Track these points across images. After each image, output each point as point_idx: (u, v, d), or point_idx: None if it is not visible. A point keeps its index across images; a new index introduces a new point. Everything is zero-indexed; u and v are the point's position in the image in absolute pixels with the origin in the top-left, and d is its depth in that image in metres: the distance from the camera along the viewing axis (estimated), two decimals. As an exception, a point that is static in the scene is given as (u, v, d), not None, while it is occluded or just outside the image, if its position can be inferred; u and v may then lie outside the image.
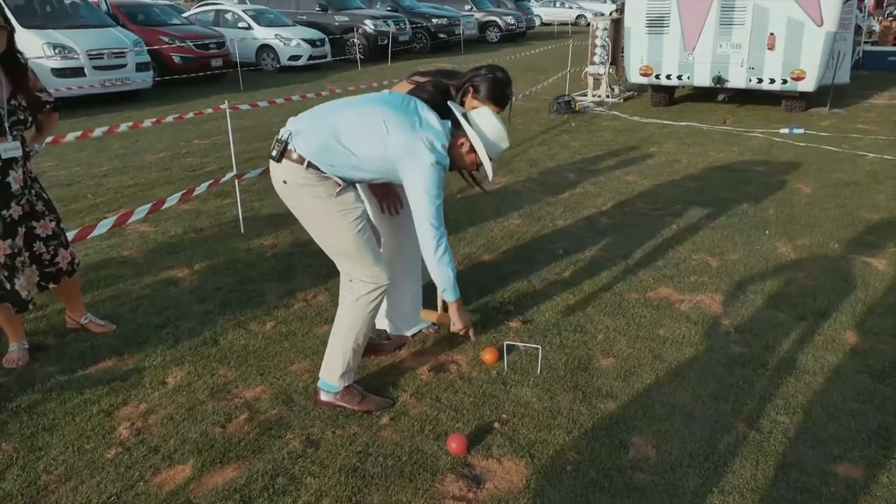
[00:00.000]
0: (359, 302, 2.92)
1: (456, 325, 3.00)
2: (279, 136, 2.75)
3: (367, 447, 2.77)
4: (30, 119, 3.26)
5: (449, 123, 2.79)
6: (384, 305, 3.45)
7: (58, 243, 3.46)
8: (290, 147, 2.70)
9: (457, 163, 2.85)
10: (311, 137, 2.69)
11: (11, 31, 3.13)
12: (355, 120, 2.70)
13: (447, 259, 2.79)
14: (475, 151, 2.80)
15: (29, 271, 3.41)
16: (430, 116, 2.75)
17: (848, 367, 3.31)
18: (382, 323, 3.60)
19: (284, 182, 2.75)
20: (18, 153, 3.20)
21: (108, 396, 3.13)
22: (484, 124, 2.82)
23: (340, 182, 2.73)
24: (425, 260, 2.82)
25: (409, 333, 3.64)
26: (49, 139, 3.99)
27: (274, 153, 2.74)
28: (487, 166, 2.83)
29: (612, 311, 3.92)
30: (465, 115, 2.82)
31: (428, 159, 2.65)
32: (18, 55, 3.22)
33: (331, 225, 2.80)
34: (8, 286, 3.26)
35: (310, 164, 2.68)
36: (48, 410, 3.03)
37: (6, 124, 3.12)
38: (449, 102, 2.91)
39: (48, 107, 3.47)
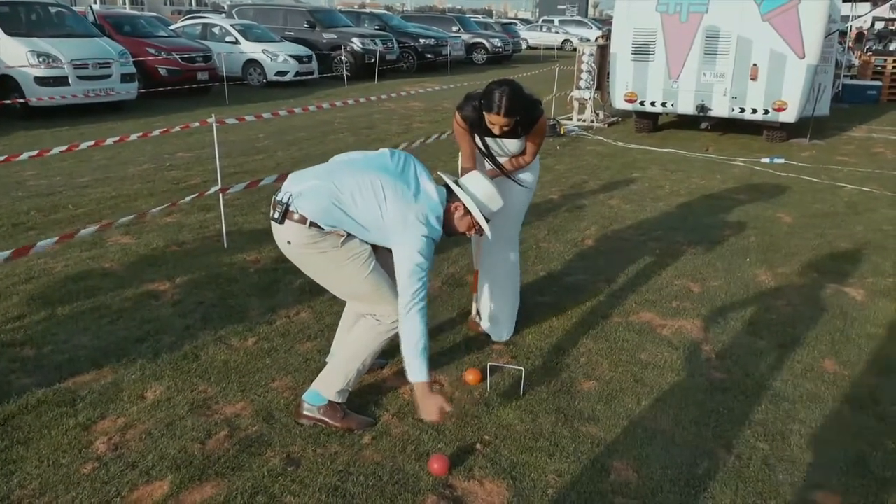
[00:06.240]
0: (380, 327, 2.94)
1: (426, 413, 2.69)
2: (279, 199, 2.77)
3: (349, 466, 2.75)
4: None
5: (444, 190, 2.88)
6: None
7: None
8: (291, 208, 2.72)
9: (454, 227, 2.92)
10: (312, 201, 2.72)
11: None
12: (354, 190, 2.73)
13: (420, 316, 2.66)
14: (470, 213, 2.88)
15: None
16: (428, 185, 2.81)
17: (826, 396, 3.35)
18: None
19: (289, 242, 2.79)
20: None
21: (85, 410, 3.08)
22: (475, 187, 2.92)
23: (343, 233, 2.76)
24: (399, 317, 2.73)
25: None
26: (34, 153, 3.58)
27: (276, 215, 2.76)
28: (484, 225, 2.92)
29: (594, 334, 3.94)
30: (456, 182, 2.93)
31: (419, 231, 2.71)
32: None
33: (342, 275, 2.84)
34: None
35: (312, 224, 2.71)
36: (23, 424, 2.98)
37: None
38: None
39: None
